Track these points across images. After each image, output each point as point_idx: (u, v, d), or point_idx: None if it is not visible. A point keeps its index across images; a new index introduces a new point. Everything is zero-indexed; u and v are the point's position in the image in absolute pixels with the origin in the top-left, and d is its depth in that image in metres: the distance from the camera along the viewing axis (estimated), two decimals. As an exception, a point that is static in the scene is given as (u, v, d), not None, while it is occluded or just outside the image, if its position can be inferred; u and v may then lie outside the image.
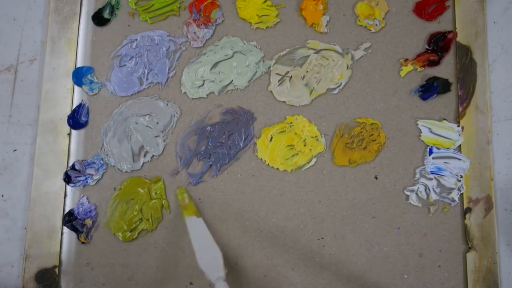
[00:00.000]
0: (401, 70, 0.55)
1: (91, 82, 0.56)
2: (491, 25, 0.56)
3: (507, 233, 0.52)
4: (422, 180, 0.53)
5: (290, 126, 0.54)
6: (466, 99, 0.54)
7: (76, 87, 0.56)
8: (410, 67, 0.55)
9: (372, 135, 0.54)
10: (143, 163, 0.54)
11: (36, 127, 0.55)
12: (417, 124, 0.54)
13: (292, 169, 0.53)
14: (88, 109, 0.55)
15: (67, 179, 0.54)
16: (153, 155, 0.54)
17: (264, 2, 0.56)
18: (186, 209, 0.52)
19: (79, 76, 0.55)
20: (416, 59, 0.55)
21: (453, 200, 0.52)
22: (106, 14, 0.57)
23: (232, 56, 0.55)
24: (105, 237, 0.53)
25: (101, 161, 0.54)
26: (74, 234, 0.53)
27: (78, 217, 0.53)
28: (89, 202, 0.53)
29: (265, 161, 0.54)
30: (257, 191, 0.53)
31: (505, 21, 0.56)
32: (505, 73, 0.55)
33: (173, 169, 0.54)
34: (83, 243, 0.53)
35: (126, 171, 0.54)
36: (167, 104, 0.55)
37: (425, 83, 0.54)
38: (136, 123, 0.55)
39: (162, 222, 0.53)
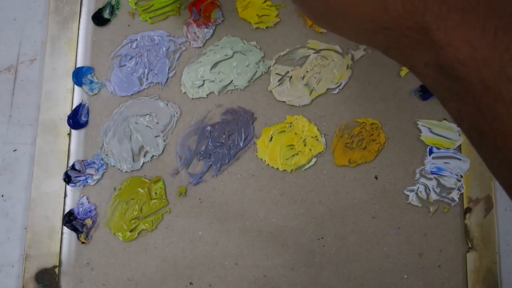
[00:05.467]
0: (401, 70, 0.55)
1: (91, 82, 0.56)
2: (491, 25, 0.56)
3: (507, 233, 0.52)
4: (422, 180, 0.53)
5: (290, 126, 0.54)
6: (466, 99, 0.54)
7: (76, 87, 0.56)
8: (410, 67, 0.55)
9: (372, 135, 0.54)
10: (143, 163, 0.54)
11: (36, 127, 0.55)
12: (417, 124, 0.54)
13: (292, 169, 0.53)
14: (88, 109, 0.55)
15: (67, 179, 0.54)
16: (153, 155, 0.54)
17: (264, 2, 0.56)
18: None
19: (79, 76, 0.55)
20: (416, 59, 0.55)
21: (453, 200, 0.52)
22: (106, 14, 0.57)
23: (232, 56, 0.55)
24: (105, 237, 0.53)
25: (101, 161, 0.54)
26: (74, 234, 0.53)
27: (78, 217, 0.53)
28: (89, 202, 0.53)
29: (265, 161, 0.54)
30: (257, 191, 0.53)
31: (505, 21, 0.56)
32: (505, 73, 0.55)
33: (173, 169, 0.54)
34: (83, 243, 0.53)
35: (126, 171, 0.54)
36: (167, 104, 0.55)
37: (425, 83, 0.54)
38: (136, 123, 0.55)
39: (162, 222, 0.53)
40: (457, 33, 0.26)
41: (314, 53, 0.55)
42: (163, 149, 0.54)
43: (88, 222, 0.53)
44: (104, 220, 0.53)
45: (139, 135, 0.54)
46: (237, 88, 0.55)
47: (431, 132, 0.54)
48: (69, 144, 0.55)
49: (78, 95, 0.56)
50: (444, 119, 0.54)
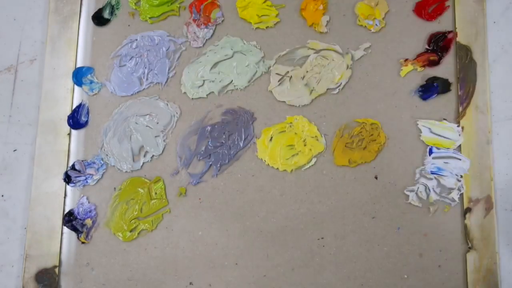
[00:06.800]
0: (401, 70, 0.55)
1: (91, 82, 0.56)
2: (491, 25, 0.56)
3: (507, 233, 0.52)
4: (422, 180, 0.53)
5: (290, 126, 0.54)
6: (466, 99, 0.54)
7: (76, 87, 0.56)
8: (410, 67, 0.55)
9: (372, 135, 0.54)
10: (143, 163, 0.54)
11: (36, 127, 0.55)
12: (417, 124, 0.54)
13: (292, 169, 0.53)
14: (88, 109, 0.55)
15: (67, 179, 0.54)
16: (153, 155, 0.54)
17: (264, 2, 0.56)
18: None
19: (79, 76, 0.55)
20: (416, 59, 0.55)
21: (453, 200, 0.52)
22: (106, 14, 0.57)
23: (232, 56, 0.55)
24: (105, 237, 0.53)
25: (101, 161, 0.54)
26: (74, 234, 0.53)
27: (78, 217, 0.53)
28: (89, 202, 0.53)
29: (265, 161, 0.54)
30: (257, 191, 0.53)
31: (505, 21, 0.56)
32: (505, 73, 0.55)
33: (173, 169, 0.54)
34: (83, 243, 0.53)
35: (126, 171, 0.54)
36: (167, 104, 0.55)
37: (425, 83, 0.54)
38: (136, 123, 0.55)
39: (162, 222, 0.53)
40: None
41: (314, 53, 0.55)
42: (163, 149, 0.54)
43: (88, 222, 0.53)
44: (104, 220, 0.53)
45: (139, 135, 0.54)
46: (237, 88, 0.55)
47: (431, 132, 0.54)
48: (69, 144, 0.55)
49: (78, 95, 0.56)
50: (444, 119, 0.54)
